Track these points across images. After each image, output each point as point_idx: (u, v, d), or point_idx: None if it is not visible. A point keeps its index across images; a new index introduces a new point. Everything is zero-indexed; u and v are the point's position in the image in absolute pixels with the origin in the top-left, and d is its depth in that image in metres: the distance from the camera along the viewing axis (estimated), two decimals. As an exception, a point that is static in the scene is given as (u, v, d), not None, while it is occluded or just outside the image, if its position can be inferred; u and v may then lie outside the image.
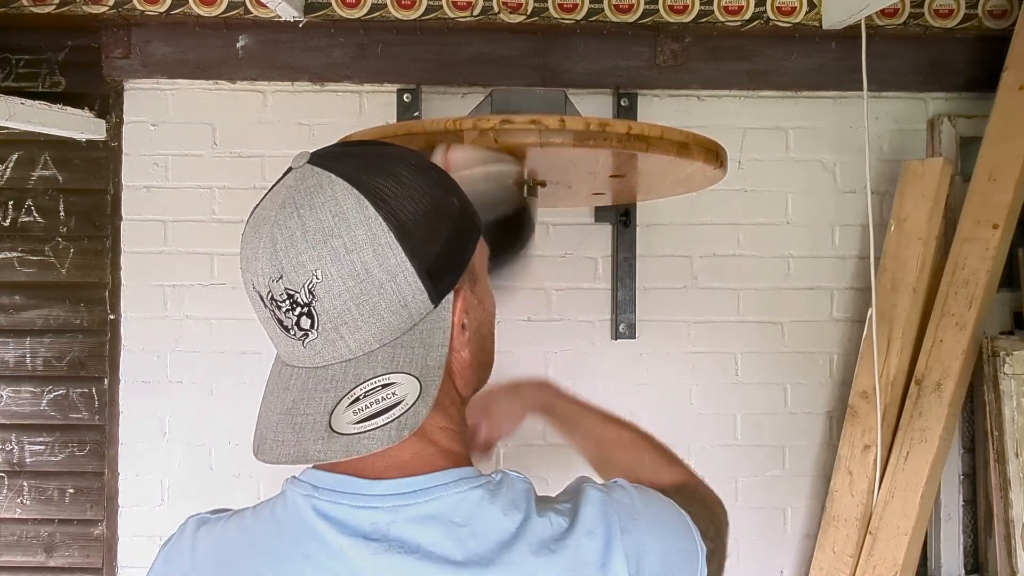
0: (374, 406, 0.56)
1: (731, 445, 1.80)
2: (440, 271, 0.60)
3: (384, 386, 0.57)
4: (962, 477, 1.75)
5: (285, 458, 0.57)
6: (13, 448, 1.77)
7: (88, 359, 1.77)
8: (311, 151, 0.62)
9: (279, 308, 0.58)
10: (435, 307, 0.60)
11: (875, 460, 1.64)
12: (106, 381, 1.77)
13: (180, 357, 1.77)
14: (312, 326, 0.57)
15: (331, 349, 0.58)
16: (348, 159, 0.60)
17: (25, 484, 1.77)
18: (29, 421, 1.77)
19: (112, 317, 1.77)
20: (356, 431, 0.55)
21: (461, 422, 0.67)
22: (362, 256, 0.56)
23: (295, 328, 0.58)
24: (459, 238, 0.63)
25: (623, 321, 1.75)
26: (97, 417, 1.77)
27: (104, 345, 1.77)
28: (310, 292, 0.56)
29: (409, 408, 0.56)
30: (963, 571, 1.73)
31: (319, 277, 0.56)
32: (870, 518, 1.65)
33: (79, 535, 1.78)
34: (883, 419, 1.64)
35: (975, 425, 1.75)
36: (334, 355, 0.58)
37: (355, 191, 0.57)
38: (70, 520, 1.78)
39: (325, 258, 0.56)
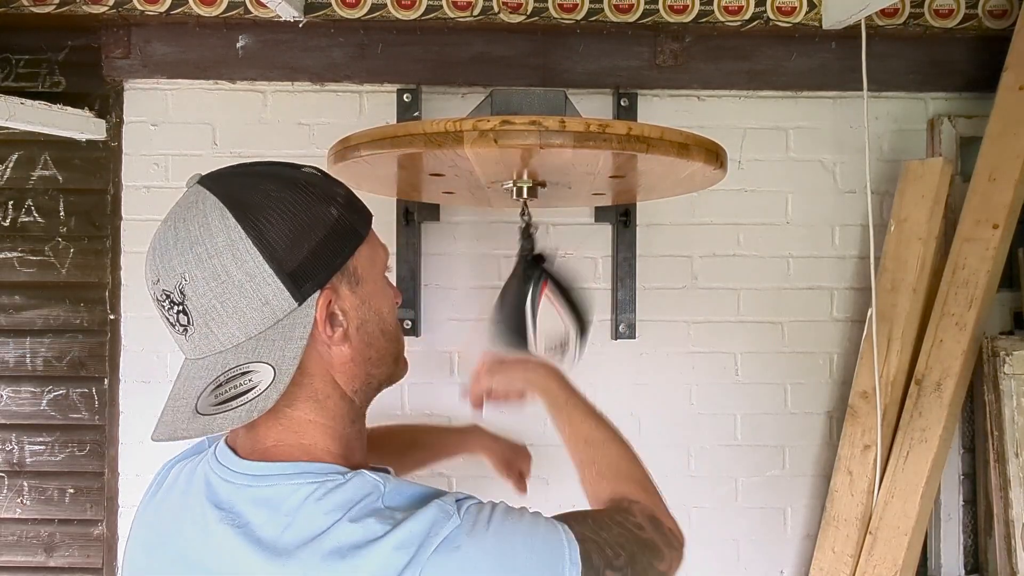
0: (232, 391, 0.65)
1: (731, 445, 1.80)
2: (305, 274, 0.67)
3: (243, 373, 0.65)
4: (962, 477, 1.75)
5: (162, 435, 0.66)
6: (13, 448, 1.77)
7: (88, 359, 1.77)
8: (202, 173, 0.71)
9: (162, 306, 0.68)
10: (299, 305, 0.67)
11: (875, 460, 1.64)
12: (106, 381, 1.77)
13: (180, 357, 1.76)
14: (188, 322, 0.67)
15: (206, 342, 0.67)
16: (228, 179, 0.69)
17: (25, 484, 1.77)
18: (29, 421, 1.77)
19: (112, 317, 1.77)
20: (214, 412, 0.64)
21: (338, 417, 0.72)
22: (222, 260, 0.65)
23: (177, 323, 0.68)
24: (330, 245, 0.69)
25: (623, 321, 1.75)
26: (97, 417, 1.77)
27: (104, 345, 1.77)
28: (181, 292, 0.66)
29: (261, 393, 0.64)
30: (963, 571, 1.73)
31: (187, 279, 0.65)
32: (870, 518, 1.65)
33: (79, 535, 1.78)
34: (883, 419, 1.64)
35: (975, 425, 1.75)
36: (209, 347, 0.68)
37: (221, 205, 0.66)
38: (70, 520, 1.78)
39: (191, 263, 0.65)
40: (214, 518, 0.66)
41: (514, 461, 1.19)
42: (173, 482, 0.77)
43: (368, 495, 0.65)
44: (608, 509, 0.81)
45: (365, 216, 0.75)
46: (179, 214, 0.67)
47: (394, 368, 0.79)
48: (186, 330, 0.67)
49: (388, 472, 0.71)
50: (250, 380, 0.64)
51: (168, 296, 0.67)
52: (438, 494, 0.67)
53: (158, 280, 0.67)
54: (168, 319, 0.69)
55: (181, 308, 0.66)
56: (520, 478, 1.19)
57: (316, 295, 0.68)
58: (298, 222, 0.67)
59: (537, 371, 1.04)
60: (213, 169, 0.72)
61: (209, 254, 0.65)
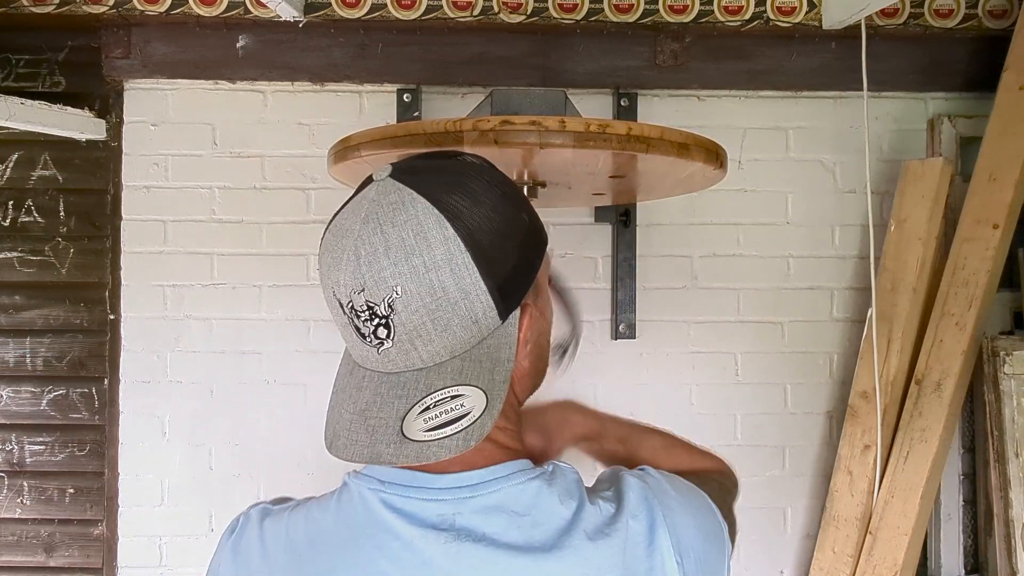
0: (443, 416, 0.60)
1: (731, 445, 1.80)
2: (510, 289, 0.63)
3: (453, 397, 0.60)
4: (962, 477, 1.75)
5: (359, 457, 0.61)
6: (13, 448, 1.77)
7: (88, 359, 1.77)
8: (391, 164, 0.64)
9: (358, 317, 0.61)
10: (503, 323, 0.63)
11: (875, 460, 1.64)
12: (106, 381, 1.77)
13: (180, 357, 1.77)
14: (388, 336, 0.61)
15: (404, 358, 0.62)
16: (427, 174, 0.63)
17: (25, 484, 1.77)
18: (29, 421, 1.77)
19: (112, 317, 1.77)
20: (426, 439, 0.59)
21: (517, 421, 0.71)
22: (440, 275, 0.59)
23: (372, 336, 0.61)
24: (528, 254, 0.66)
25: (623, 321, 1.75)
26: (97, 417, 1.77)
27: (104, 345, 1.77)
28: (389, 306, 0.60)
29: (476, 420, 0.60)
30: (963, 571, 1.73)
31: (399, 292, 0.59)
32: (870, 518, 1.65)
33: (79, 535, 1.78)
34: (883, 419, 1.64)
35: (975, 425, 1.75)
36: (406, 364, 0.62)
37: (435, 210, 0.60)
38: (70, 520, 1.78)
39: (406, 275, 0.59)
40: (436, 543, 0.60)
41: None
42: (293, 539, 0.64)
43: (577, 479, 0.66)
44: (695, 474, 0.82)
45: (539, 218, 0.70)
46: (385, 216, 0.60)
47: (544, 377, 0.77)
48: (382, 343, 0.61)
49: None
50: (462, 405, 0.60)
51: (371, 308, 0.60)
52: (622, 469, 0.72)
53: (363, 289, 0.60)
54: (359, 330, 0.62)
55: (383, 322, 0.60)
56: None
57: (517, 312, 0.65)
58: (503, 231, 0.63)
59: (577, 418, 1.00)
60: (401, 160, 0.66)
61: (427, 267, 0.59)
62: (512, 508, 0.62)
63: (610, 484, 0.68)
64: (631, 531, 0.63)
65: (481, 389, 0.61)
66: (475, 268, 0.60)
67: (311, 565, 0.62)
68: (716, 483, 0.80)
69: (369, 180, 0.64)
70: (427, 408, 0.60)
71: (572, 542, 0.61)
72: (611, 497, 0.65)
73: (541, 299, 0.70)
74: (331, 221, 0.65)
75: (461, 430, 0.59)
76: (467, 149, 0.98)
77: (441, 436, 0.59)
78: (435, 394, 0.60)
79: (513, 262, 0.63)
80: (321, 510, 0.66)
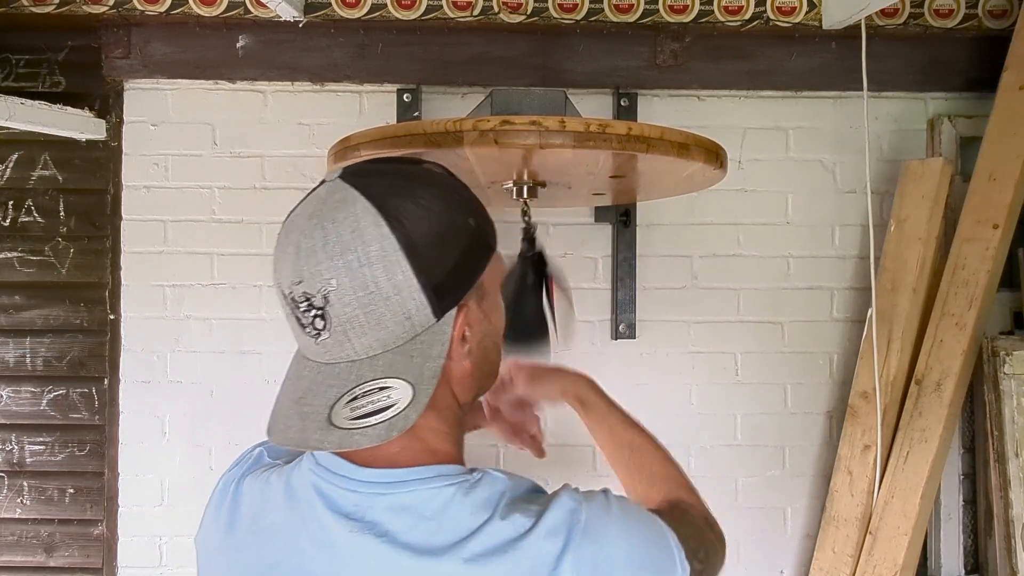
0: (369, 406, 0.62)
1: (731, 445, 1.80)
2: (446, 289, 0.65)
3: (381, 389, 0.63)
4: (962, 477, 1.75)
5: (289, 442, 0.64)
6: (13, 448, 1.77)
7: (88, 359, 1.77)
8: (343, 166, 0.68)
9: (298, 307, 0.65)
10: (437, 321, 0.65)
11: (875, 460, 1.64)
12: (106, 381, 1.77)
13: (180, 357, 1.77)
14: (324, 327, 0.64)
15: (339, 349, 0.64)
16: (376, 177, 0.66)
17: (25, 484, 1.77)
18: (29, 421, 1.77)
19: (112, 317, 1.77)
20: (350, 427, 0.62)
21: (454, 424, 0.72)
22: (373, 271, 0.62)
23: (311, 327, 0.64)
24: (470, 258, 0.68)
25: (623, 321, 1.75)
26: (97, 417, 1.77)
27: (104, 345, 1.77)
28: (324, 297, 0.63)
29: (400, 412, 0.62)
30: (963, 571, 1.73)
31: (333, 285, 0.62)
32: (870, 518, 1.65)
33: (79, 535, 1.78)
34: (883, 419, 1.64)
35: (975, 425, 1.75)
36: (342, 355, 0.64)
37: (374, 210, 0.63)
38: (70, 520, 1.78)
39: (340, 269, 0.62)
40: (344, 530, 0.64)
41: (521, 425, 1.16)
42: (258, 502, 0.72)
43: (502, 492, 0.66)
44: (673, 507, 0.82)
45: (492, 224, 0.73)
46: (327, 213, 0.64)
47: (495, 379, 0.79)
48: (319, 334, 0.64)
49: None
50: (388, 396, 0.62)
51: (308, 299, 0.63)
52: (567, 487, 0.70)
53: (300, 281, 0.63)
54: (300, 320, 0.65)
55: (320, 313, 0.63)
56: (534, 441, 1.14)
57: (453, 312, 0.66)
58: (445, 235, 0.65)
59: (573, 379, 1.04)
60: (358, 163, 0.70)
61: (361, 263, 0.62)
62: (420, 511, 0.63)
63: (544, 500, 0.67)
64: (539, 551, 0.62)
65: (408, 383, 0.63)
66: (408, 266, 0.62)
67: (261, 533, 0.69)
68: (692, 526, 0.77)
69: (323, 181, 0.67)
70: (355, 398, 0.62)
71: (463, 552, 0.61)
72: (533, 512, 0.64)
73: (487, 302, 0.71)
74: (285, 219, 0.68)
75: (384, 420, 0.61)
76: (467, 149, 0.98)
77: (365, 425, 0.61)
78: (364, 385, 0.63)
79: (452, 264, 0.65)
80: (279, 483, 0.71)
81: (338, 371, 0.64)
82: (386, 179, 0.66)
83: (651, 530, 0.69)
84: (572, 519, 0.64)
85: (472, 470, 0.68)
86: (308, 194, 0.68)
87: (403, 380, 0.63)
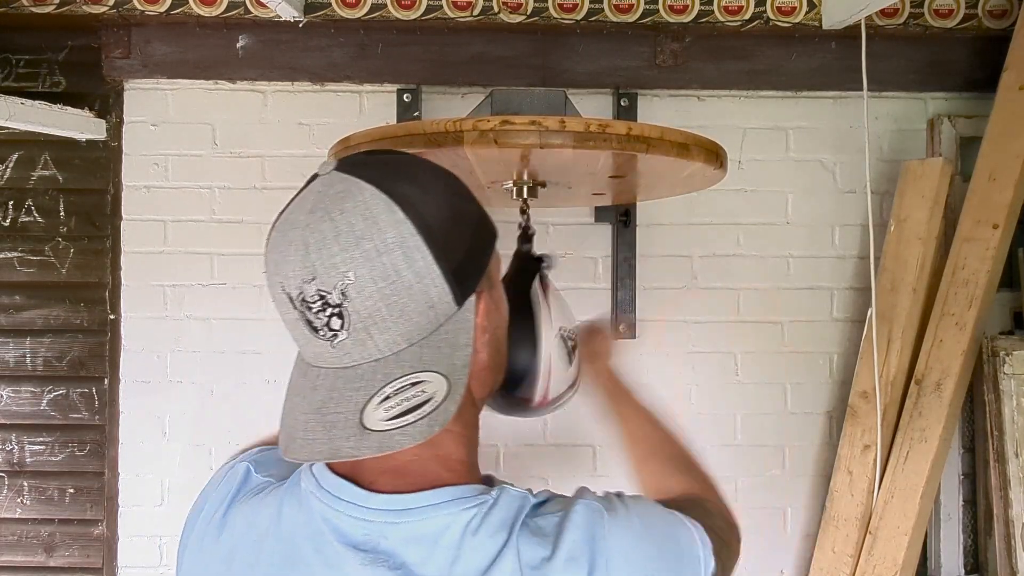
0: (404, 403, 0.58)
1: (731, 445, 1.80)
2: (464, 274, 0.62)
3: (413, 384, 0.58)
4: (962, 477, 1.75)
5: (317, 455, 0.58)
6: (13, 448, 1.77)
7: (88, 359, 1.77)
8: (335, 159, 0.64)
9: (310, 309, 0.59)
10: (459, 308, 0.62)
11: (875, 460, 1.64)
12: (106, 381, 1.77)
13: (180, 357, 1.77)
14: (342, 326, 0.59)
15: (360, 349, 0.59)
16: (373, 166, 0.62)
17: (25, 484, 1.77)
18: (29, 421, 1.77)
19: (112, 317, 1.77)
20: (388, 427, 0.57)
21: (470, 424, 0.68)
22: (392, 258, 0.58)
23: (325, 329, 0.59)
24: (479, 242, 0.65)
25: (623, 321, 1.75)
26: (97, 417, 1.77)
27: (104, 345, 1.77)
28: (343, 293, 0.58)
29: (439, 405, 0.58)
30: (963, 571, 1.73)
31: (351, 278, 0.57)
32: (870, 518, 1.65)
33: (79, 535, 1.78)
34: (883, 419, 1.64)
35: (975, 425, 1.75)
36: (363, 355, 0.60)
37: (384, 195, 0.59)
38: (70, 520, 1.78)
39: (357, 260, 0.57)
40: (355, 562, 0.59)
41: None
42: (254, 532, 0.66)
43: (520, 509, 0.62)
44: (694, 503, 0.80)
45: (489, 215, 0.70)
46: (331, 204, 0.59)
47: (503, 373, 0.76)
48: (336, 335, 0.59)
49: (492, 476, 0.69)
50: (423, 391, 0.58)
51: (323, 297, 0.58)
52: (577, 494, 0.67)
53: (313, 278, 0.58)
54: (312, 324, 0.59)
55: (337, 311, 0.58)
56: None
57: (472, 299, 0.63)
58: (456, 218, 0.62)
59: (608, 366, 1.05)
60: (346, 156, 0.66)
61: (379, 251, 0.57)
62: (438, 540, 0.59)
63: (561, 509, 0.63)
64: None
65: (442, 374, 0.59)
66: (428, 251, 0.59)
67: (260, 563, 0.63)
68: (720, 518, 0.75)
69: (314, 176, 0.63)
70: (387, 397, 0.58)
71: None
72: (550, 533, 0.61)
73: (496, 291, 0.69)
74: (276, 220, 0.64)
75: (424, 416, 0.57)
76: (467, 149, 0.98)
77: (403, 424, 0.57)
78: (395, 382, 0.58)
79: (466, 248, 0.62)
80: (271, 512, 0.65)
81: (361, 373, 0.59)
82: (384, 167, 0.63)
83: (677, 533, 0.67)
84: (593, 538, 0.60)
85: (489, 487, 0.64)
86: (299, 191, 0.64)
87: (436, 372, 0.59)
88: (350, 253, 0.57)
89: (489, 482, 0.67)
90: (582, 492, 0.67)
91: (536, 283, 1.15)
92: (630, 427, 0.99)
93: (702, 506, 0.77)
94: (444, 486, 0.61)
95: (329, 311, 0.58)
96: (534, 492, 0.66)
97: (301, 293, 0.59)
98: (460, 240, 0.62)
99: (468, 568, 0.58)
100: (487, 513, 0.60)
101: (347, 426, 0.58)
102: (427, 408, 0.58)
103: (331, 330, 0.59)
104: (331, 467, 0.64)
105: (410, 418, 0.57)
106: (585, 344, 1.07)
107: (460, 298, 0.61)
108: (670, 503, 0.72)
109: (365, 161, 0.64)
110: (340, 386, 0.60)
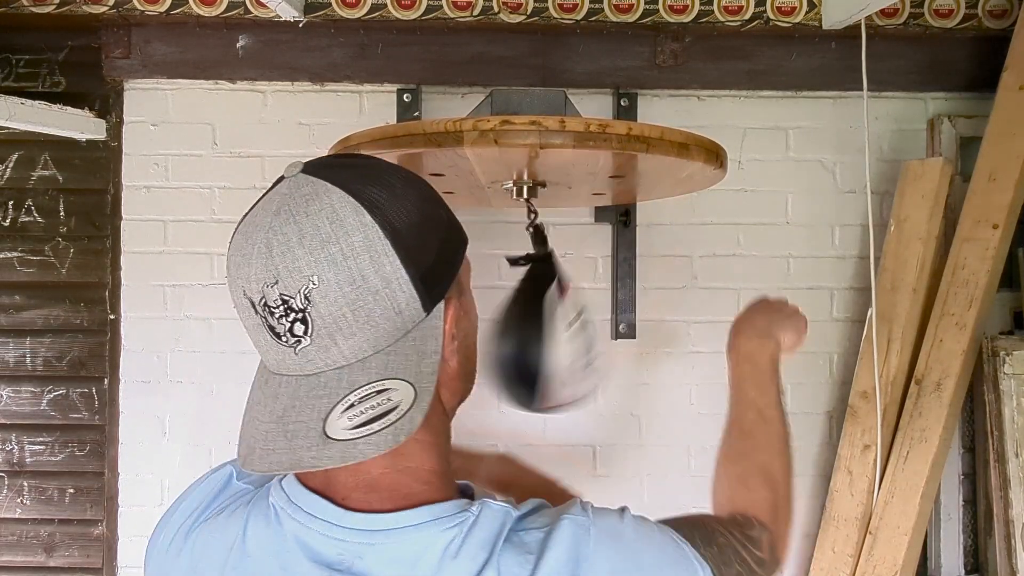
0: (369, 412, 0.56)
1: (731, 445, 1.80)
2: (433, 279, 0.60)
3: (379, 392, 0.57)
4: (962, 477, 1.75)
5: (278, 466, 0.56)
6: (13, 448, 1.77)
7: (88, 359, 1.77)
8: (302, 161, 0.63)
9: (272, 314, 0.58)
10: (427, 315, 0.60)
11: (875, 460, 1.64)
12: (106, 381, 1.77)
13: (180, 357, 1.77)
14: (306, 332, 0.57)
15: (324, 356, 0.58)
16: (341, 169, 0.61)
17: (25, 484, 1.77)
18: (29, 421, 1.77)
19: (112, 317, 1.77)
20: (351, 436, 0.55)
21: (440, 433, 0.66)
22: (359, 262, 0.56)
23: (287, 335, 0.57)
24: (449, 248, 0.64)
25: (623, 321, 1.75)
26: (97, 417, 1.77)
27: (104, 345, 1.77)
28: (306, 298, 0.56)
29: (404, 414, 0.56)
30: (963, 571, 1.73)
31: (316, 283, 0.56)
32: (870, 518, 1.65)
33: (79, 535, 1.78)
34: (883, 419, 1.64)
35: (975, 425, 1.75)
36: (327, 362, 0.58)
37: (351, 199, 0.58)
38: (70, 520, 1.78)
39: (322, 263, 0.56)
40: None
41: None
42: (217, 551, 0.64)
43: (503, 525, 0.60)
44: (731, 524, 0.77)
45: (459, 221, 0.69)
46: (297, 207, 0.58)
47: (474, 382, 0.74)
48: (299, 341, 0.57)
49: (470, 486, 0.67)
50: (388, 399, 0.56)
51: (286, 302, 0.56)
52: (566, 506, 0.64)
53: (276, 281, 0.56)
54: (274, 329, 0.58)
55: (300, 317, 0.56)
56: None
57: (441, 305, 0.62)
58: (424, 223, 0.61)
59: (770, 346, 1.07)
60: (314, 159, 0.65)
61: (345, 255, 0.56)
62: (415, 563, 0.57)
63: (548, 523, 0.61)
64: None
65: (408, 382, 0.58)
66: (396, 256, 0.57)
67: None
68: (735, 548, 0.73)
69: (281, 178, 0.62)
70: (351, 405, 0.56)
71: None
72: (534, 549, 0.58)
73: (465, 298, 0.68)
74: (240, 222, 0.62)
75: (389, 425, 0.55)
76: (467, 149, 0.98)
77: (367, 433, 0.55)
78: (359, 390, 0.57)
79: (435, 254, 0.61)
80: (244, 512, 0.65)
81: (324, 381, 0.58)
82: (353, 170, 0.61)
83: (667, 567, 0.64)
84: (576, 558, 0.59)
85: (469, 503, 0.62)
86: (265, 193, 0.62)
87: (402, 380, 0.57)
88: (315, 256, 0.56)
89: (468, 492, 0.66)
90: (571, 505, 0.64)
91: (554, 287, 1.15)
92: (737, 418, 0.98)
93: (733, 546, 0.74)
94: (421, 503, 0.60)
95: (292, 316, 0.57)
96: (572, 502, 0.64)
97: (263, 297, 0.57)
98: (429, 245, 0.61)
99: None
100: (467, 533, 0.58)
101: (309, 435, 0.56)
102: (392, 416, 0.56)
103: (294, 336, 0.57)
104: (303, 481, 0.62)
105: (375, 427, 0.55)
106: (772, 322, 1.08)
107: (428, 304, 0.60)
108: (696, 531, 0.69)
109: (333, 164, 0.63)
110: (303, 394, 0.58)
